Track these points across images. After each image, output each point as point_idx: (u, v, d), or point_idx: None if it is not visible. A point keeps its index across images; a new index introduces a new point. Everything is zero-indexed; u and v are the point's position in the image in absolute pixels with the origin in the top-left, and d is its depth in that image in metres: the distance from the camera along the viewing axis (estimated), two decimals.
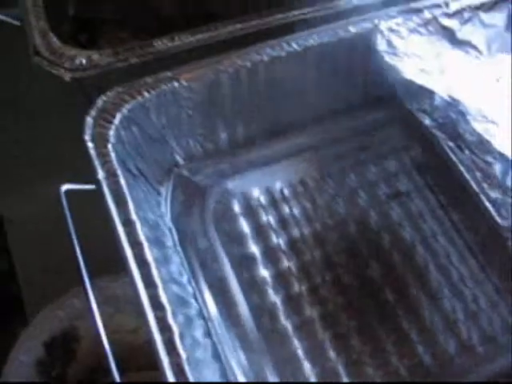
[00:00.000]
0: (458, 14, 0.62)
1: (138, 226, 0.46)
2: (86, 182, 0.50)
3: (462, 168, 0.50)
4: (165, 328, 0.42)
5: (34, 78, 0.58)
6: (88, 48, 0.65)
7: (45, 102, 0.60)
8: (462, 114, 0.51)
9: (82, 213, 0.51)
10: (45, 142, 0.59)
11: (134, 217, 0.46)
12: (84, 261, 0.48)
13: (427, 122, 0.53)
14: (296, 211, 0.60)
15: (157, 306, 0.43)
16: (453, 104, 0.53)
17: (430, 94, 0.53)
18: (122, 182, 0.48)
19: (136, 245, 0.45)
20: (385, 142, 0.64)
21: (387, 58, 0.56)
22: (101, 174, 0.48)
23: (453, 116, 0.51)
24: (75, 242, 0.48)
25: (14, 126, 0.60)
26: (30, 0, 0.61)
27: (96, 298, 0.48)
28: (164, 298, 0.43)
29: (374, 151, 0.64)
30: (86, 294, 0.47)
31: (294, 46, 0.57)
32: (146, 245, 0.45)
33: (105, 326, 0.47)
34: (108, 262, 0.51)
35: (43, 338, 0.64)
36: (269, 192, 0.61)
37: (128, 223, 0.46)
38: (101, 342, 0.45)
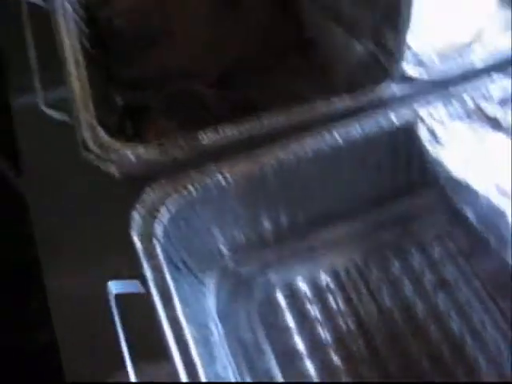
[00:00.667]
0: (499, 99, 0.62)
1: (185, 325, 0.46)
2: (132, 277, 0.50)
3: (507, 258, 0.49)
4: None
5: (81, 172, 0.60)
6: (134, 138, 0.68)
7: (92, 195, 0.61)
8: (502, 210, 0.51)
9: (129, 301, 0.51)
10: (92, 235, 0.60)
11: (180, 316, 0.46)
12: (128, 347, 0.47)
13: (469, 213, 0.53)
14: (340, 301, 0.59)
15: None
16: (492, 201, 0.52)
17: (472, 189, 0.53)
18: (168, 277, 0.49)
19: (182, 344, 0.45)
20: (428, 229, 0.64)
21: (429, 147, 0.56)
22: (147, 270, 0.49)
23: (494, 209, 0.51)
24: (121, 333, 0.47)
25: (61, 216, 0.62)
26: (78, 95, 0.63)
27: None
28: None
29: (417, 238, 0.63)
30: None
31: (337, 137, 0.57)
32: (192, 343, 0.45)
33: None
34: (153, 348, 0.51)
35: None
36: (313, 282, 0.60)
37: (175, 323, 0.46)
38: None
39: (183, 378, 0.44)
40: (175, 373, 0.45)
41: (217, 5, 0.77)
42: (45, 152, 0.66)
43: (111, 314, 0.49)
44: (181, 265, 0.53)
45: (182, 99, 0.71)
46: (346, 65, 0.70)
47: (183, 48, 0.74)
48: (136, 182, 0.58)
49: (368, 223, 0.63)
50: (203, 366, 0.45)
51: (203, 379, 0.44)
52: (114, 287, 0.51)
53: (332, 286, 0.60)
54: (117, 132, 0.65)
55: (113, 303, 0.50)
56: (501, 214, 0.51)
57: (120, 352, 0.48)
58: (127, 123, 0.69)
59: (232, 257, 0.60)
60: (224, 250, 0.59)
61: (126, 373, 0.48)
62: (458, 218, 0.59)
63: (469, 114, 0.61)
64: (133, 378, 0.46)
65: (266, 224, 0.59)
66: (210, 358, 0.48)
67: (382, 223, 0.63)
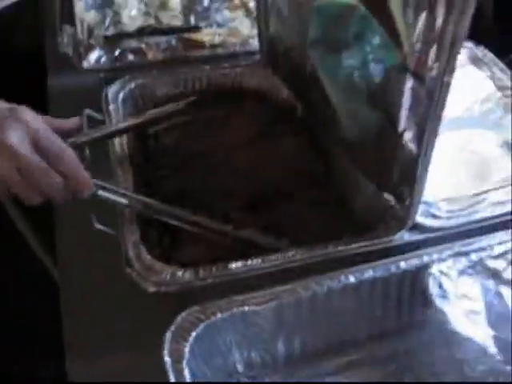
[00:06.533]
0: (502, 255, 0.69)
1: None
2: None
3: None
4: None
5: (120, 285, 0.67)
6: (170, 252, 0.75)
7: (127, 309, 0.68)
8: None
9: None
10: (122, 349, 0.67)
11: None
12: None
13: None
14: None
15: None
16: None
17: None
18: None
19: None
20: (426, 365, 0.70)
21: (438, 302, 0.63)
22: None
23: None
24: None
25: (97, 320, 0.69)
26: (125, 216, 0.71)
27: None
28: None
29: (417, 372, 0.69)
30: None
31: (351, 278, 0.65)
32: None
33: None
34: None
35: None
36: None
37: None
38: None
39: None
40: None
41: (255, 136, 0.86)
42: (87, 261, 0.73)
43: None
44: (201, 380, 0.60)
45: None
46: (360, 205, 0.78)
47: (220, 171, 0.83)
48: (170, 301, 0.66)
49: (374, 354, 0.69)
50: None
51: None
52: None
53: None
54: (155, 246, 0.73)
55: None
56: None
57: None
58: (165, 238, 0.77)
59: (246, 374, 0.65)
60: (239, 366, 0.65)
61: None
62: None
63: (474, 268, 0.68)
64: None
65: (281, 348, 0.66)
66: None
67: (386, 355, 0.69)
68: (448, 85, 0.59)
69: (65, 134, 0.70)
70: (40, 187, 0.65)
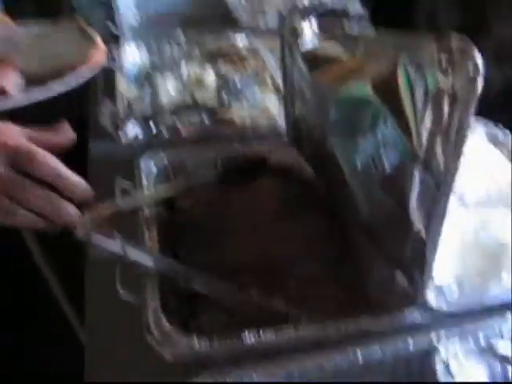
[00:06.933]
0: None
1: None
2: None
3: None
4: None
5: (140, 350, 0.71)
6: (189, 320, 0.79)
7: (143, 370, 0.72)
8: None
9: None
10: None
11: None
12: None
13: None
14: None
15: None
16: None
17: None
18: None
19: None
20: None
21: (443, 380, 0.66)
22: None
23: None
24: None
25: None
26: (149, 284, 0.75)
27: None
28: None
29: None
30: None
31: (359, 357, 0.67)
32: None
33: None
34: None
35: None
36: None
37: None
38: None
39: None
40: None
41: (279, 212, 0.91)
42: (112, 326, 0.77)
43: None
44: None
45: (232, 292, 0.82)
46: (373, 283, 0.81)
47: (243, 246, 0.87)
48: (185, 366, 0.69)
49: None
50: None
51: None
52: None
53: None
54: (174, 314, 0.77)
55: None
56: None
57: None
58: (185, 307, 0.80)
59: None
60: None
61: None
62: None
63: (481, 351, 0.70)
64: None
65: None
66: None
67: None
68: (454, 173, 0.62)
69: (57, 149, 0.72)
70: (29, 205, 0.68)
